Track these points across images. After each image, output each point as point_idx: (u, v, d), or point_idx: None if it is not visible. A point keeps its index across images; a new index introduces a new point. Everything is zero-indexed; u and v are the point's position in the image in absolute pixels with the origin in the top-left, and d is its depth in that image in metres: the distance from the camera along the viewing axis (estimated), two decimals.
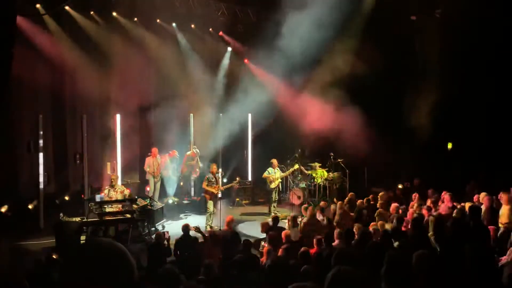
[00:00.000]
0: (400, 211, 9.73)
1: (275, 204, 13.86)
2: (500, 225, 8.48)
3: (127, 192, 11.75)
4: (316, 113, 14.56)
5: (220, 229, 10.91)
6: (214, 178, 12.21)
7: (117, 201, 11.02)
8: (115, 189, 11.42)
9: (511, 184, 9.80)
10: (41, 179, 12.10)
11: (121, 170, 13.63)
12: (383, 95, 14.43)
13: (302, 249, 6.59)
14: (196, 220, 12.27)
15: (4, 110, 11.44)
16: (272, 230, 8.85)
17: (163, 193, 14.10)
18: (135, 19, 14.25)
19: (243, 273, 5.45)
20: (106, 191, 11.40)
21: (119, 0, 13.74)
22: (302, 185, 15.03)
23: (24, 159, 12.47)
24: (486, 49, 13.06)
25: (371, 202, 11.22)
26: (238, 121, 15.59)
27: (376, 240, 6.78)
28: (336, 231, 7.72)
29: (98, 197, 11.38)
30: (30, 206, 12.26)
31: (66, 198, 13.08)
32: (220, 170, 13.88)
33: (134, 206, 10.98)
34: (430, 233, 7.47)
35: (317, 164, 15.03)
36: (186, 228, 8.85)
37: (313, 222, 9.45)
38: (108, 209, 10.62)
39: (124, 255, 1.60)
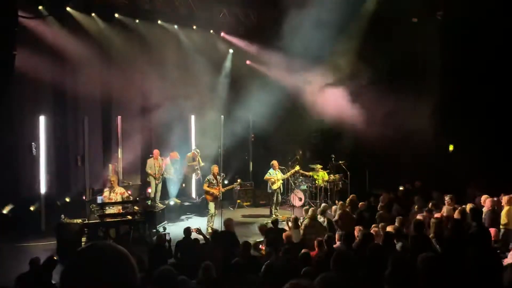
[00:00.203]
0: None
1: (277, 206, 13.86)
2: (501, 227, 8.47)
3: (126, 194, 11.73)
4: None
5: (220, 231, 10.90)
6: (215, 180, 12.20)
7: (118, 203, 11.02)
8: (114, 191, 11.39)
9: None
10: (42, 180, 12.11)
11: (123, 172, 13.63)
12: (385, 96, 14.43)
13: (303, 251, 6.59)
14: (197, 222, 12.27)
15: (6, 111, 11.51)
16: (272, 232, 8.84)
17: (165, 195, 14.10)
18: (137, 20, 14.26)
19: (243, 275, 5.45)
20: (106, 193, 11.39)
21: (121, 1, 13.76)
22: (303, 187, 15.04)
23: (26, 160, 12.49)
24: (487, 51, 13.05)
25: (372, 204, 11.21)
26: (239, 122, 15.59)
27: (378, 242, 6.77)
28: (337, 233, 7.72)
29: (99, 199, 11.39)
30: (31, 208, 12.28)
31: (67, 199, 13.08)
32: (221, 173, 13.88)
33: (135, 207, 10.98)
34: (432, 235, 7.46)
35: (318, 166, 15.04)
36: (187, 230, 8.85)
37: (314, 224, 9.44)
38: (109, 210, 10.62)
39: (125, 257, 1.60)
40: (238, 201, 15.23)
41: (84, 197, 12.66)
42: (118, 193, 11.36)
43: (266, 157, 14.93)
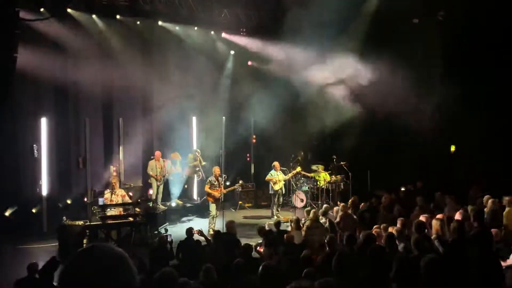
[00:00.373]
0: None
1: (278, 208, 13.85)
2: (503, 228, 8.45)
3: (127, 198, 11.72)
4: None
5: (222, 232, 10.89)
6: (216, 181, 12.19)
7: (120, 205, 11.02)
8: (115, 193, 11.40)
9: None
10: (44, 182, 12.12)
11: (124, 174, 13.64)
12: (385, 98, 14.41)
13: (304, 252, 6.58)
14: (198, 223, 12.26)
15: (7, 113, 11.53)
16: (272, 233, 8.84)
17: (166, 196, 14.10)
18: (138, 22, 14.27)
19: (244, 276, 5.43)
20: (107, 195, 11.40)
21: (121, 2, 13.77)
22: (305, 188, 15.04)
23: (28, 162, 12.50)
24: (488, 51, 13.03)
25: (374, 205, 11.18)
26: (241, 123, 15.60)
27: (380, 243, 6.76)
28: (339, 235, 7.71)
29: (100, 201, 11.40)
30: (33, 210, 12.30)
31: (69, 201, 13.10)
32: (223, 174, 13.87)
33: (137, 209, 10.98)
34: (433, 236, 7.45)
35: (320, 167, 15.02)
36: (189, 231, 8.85)
37: (316, 225, 9.43)
38: (110, 212, 10.63)
39: (124, 260, 1.59)
40: (240, 202, 15.23)
41: (85, 199, 12.67)
42: (119, 195, 11.38)
43: (267, 158, 14.93)
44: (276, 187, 13.64)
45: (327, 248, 7.19)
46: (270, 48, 15.36)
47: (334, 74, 14.63)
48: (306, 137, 15.81)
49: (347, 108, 14.57)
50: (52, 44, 12.49)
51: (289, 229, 10.00)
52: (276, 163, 13.82)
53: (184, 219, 13.68)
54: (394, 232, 7.64)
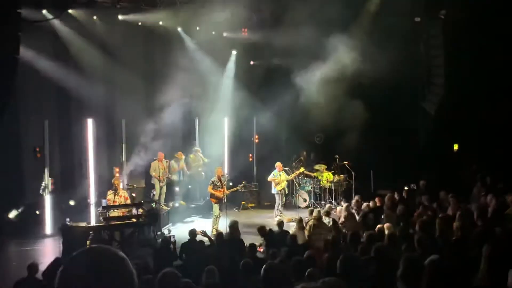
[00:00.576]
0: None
1: (281, 208, 13.83)
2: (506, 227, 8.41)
3: (129, 200, 11.72)
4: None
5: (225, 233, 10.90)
6: (219, 182, 12.18)
7: (123, 206, 11.03)
8: (118, 194, 11.40)
9: None
10: (47, 184, 12.13)
11: (127, 175, 13.65)
12: (387, 97, 14.40)
13: (307, 252, 6.56)
14: (202, 224, 12.26)
15: (10, 115, 11.54)
16: (272, 233, 8.84)
17: (170, 197, 14.10)
18: (139, 23, 14.28)
19: (248, 276, 5.43)
20: (110, 196, 11.40)
21: (123, 3, 13.78)
22: (308, 187, 15.02)
23: (31, 164, 12.52)
24: (490, 51, 13.00)
25: (377, 204, 11.17)
26: (243, 123, 15.59)
27: (383, 243, 6.74)
28: (342, 234, 7.70)
29: (103, 202, 11.41)
30: (37, 212, 12.31)
31: (72, 203, 13.11)
32: (226, 173, 13.88)
33: (140, 210, 10.98)
34: (437, 235, 7.43)
35: (323, 167, 15.01)
36: (192, 232, 8.84)
37: (319, 225, 9.42)
38: (113, 213, 10.64)
39: (123, 262, 1.59)
40: (243, 202, 15.21)
41: (88, 200, 12.68)
42: (122, 196, 11.39)
43: (270, 158, 14.92)
44: (279, 188, 13.62)
45: (331, 248, 7.18)
46: (272, 47, 15.34)
47: (336, 72, 14.60)
48: (308, 137, 15.80)
49: (350, 107, 14.55)
50: (54, 46, 12.50)
51: (293, 229, 9.98)
52: (278, 164, 13.79)
53: (187, 219, 13.67)
54: (397, 231, 7.64)
